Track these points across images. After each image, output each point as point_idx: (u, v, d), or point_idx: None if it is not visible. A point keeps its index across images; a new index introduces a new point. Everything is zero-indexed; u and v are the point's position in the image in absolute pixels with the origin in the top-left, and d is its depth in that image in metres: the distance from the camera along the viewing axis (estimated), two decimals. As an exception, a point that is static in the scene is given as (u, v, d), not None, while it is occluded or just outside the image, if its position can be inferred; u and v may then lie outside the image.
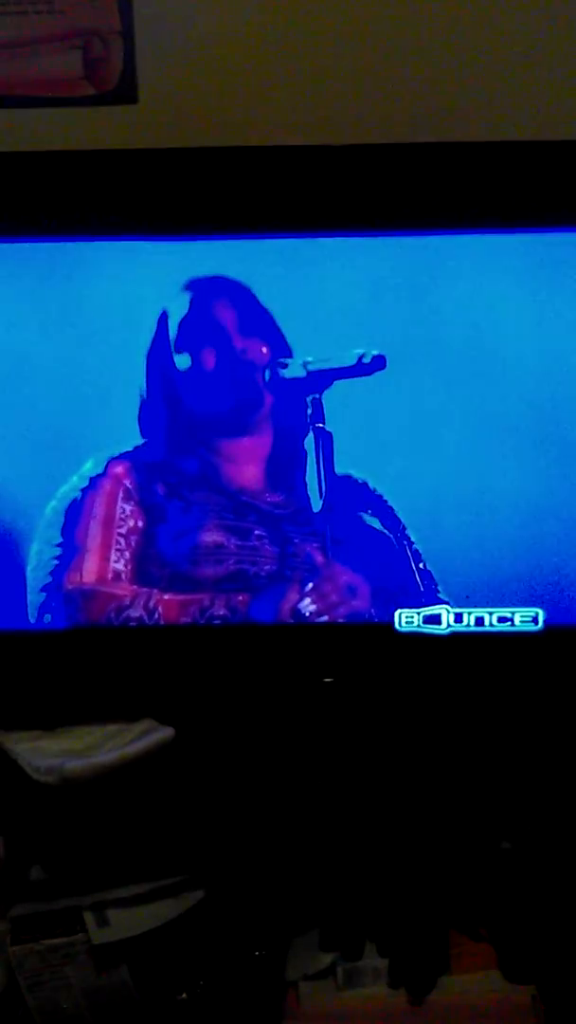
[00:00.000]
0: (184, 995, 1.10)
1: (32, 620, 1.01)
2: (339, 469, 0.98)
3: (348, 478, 1.00)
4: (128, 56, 1.01)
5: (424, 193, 0.92)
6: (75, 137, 1.02)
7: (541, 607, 1.00)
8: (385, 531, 1.01)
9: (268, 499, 1.01)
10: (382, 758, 1.03)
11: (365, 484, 1.00)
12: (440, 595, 1.01)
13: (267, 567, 1.00)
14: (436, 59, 1.00)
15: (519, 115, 1.02)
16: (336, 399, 0.96)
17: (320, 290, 0.95)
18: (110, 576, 0.99)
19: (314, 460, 0.97)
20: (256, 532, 1.00)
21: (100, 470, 0.99)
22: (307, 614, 0.99)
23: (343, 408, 0.97)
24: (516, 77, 1.01)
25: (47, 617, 1.01)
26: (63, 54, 1.00)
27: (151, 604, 0.99)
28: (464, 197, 0.92)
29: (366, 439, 0.98)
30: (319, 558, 1.00)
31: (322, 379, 0.96)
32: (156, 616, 0.99)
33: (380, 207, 0.93)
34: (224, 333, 0.97)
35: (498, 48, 1.00)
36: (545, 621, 1.00)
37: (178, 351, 0.97)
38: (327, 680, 1.03)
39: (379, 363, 0.94)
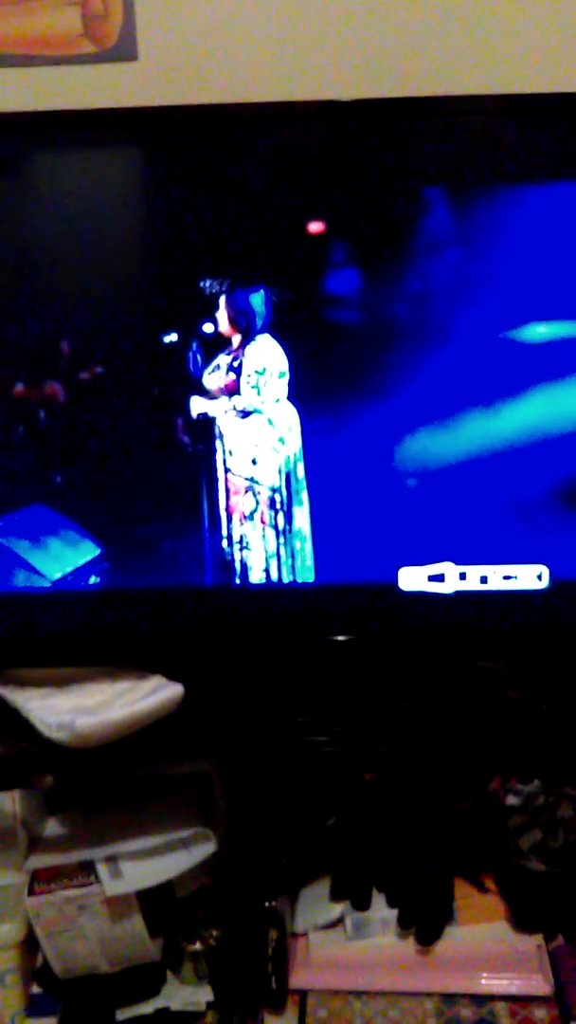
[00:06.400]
0: (197, 945, 1.12)
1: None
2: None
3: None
4: (127, 13, 1.00)
5: None
6: (75, 95, 1.01)
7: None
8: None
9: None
10: (387, 712, 1.04)
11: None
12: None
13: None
14: (434, 13, 0.99)
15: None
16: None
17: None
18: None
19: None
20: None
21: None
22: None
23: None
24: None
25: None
26: (61, 11, 1.00)
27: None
28: None
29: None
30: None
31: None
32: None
33: None
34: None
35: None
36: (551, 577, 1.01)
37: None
38: (330, 639, 1.04)
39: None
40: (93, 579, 1.03)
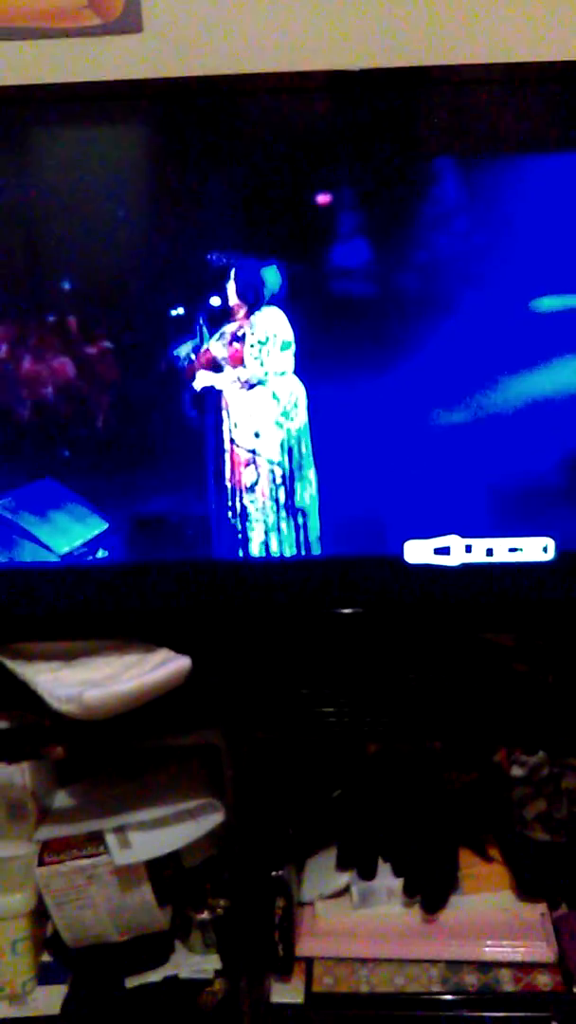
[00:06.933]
0: (205, 914, 1.14)
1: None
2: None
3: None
4: (132, -16, 0.99)
5: None
6: (80, 68, 1.01)
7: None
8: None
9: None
10: (393, 684, 1.05)
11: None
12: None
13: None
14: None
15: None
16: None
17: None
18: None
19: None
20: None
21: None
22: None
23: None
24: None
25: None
26: (66, -17, 0.99)
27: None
28: None
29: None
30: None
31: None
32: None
33: None
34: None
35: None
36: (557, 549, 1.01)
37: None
38: (336, 611, 1.04)
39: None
40: (101, 553, 1.04)
